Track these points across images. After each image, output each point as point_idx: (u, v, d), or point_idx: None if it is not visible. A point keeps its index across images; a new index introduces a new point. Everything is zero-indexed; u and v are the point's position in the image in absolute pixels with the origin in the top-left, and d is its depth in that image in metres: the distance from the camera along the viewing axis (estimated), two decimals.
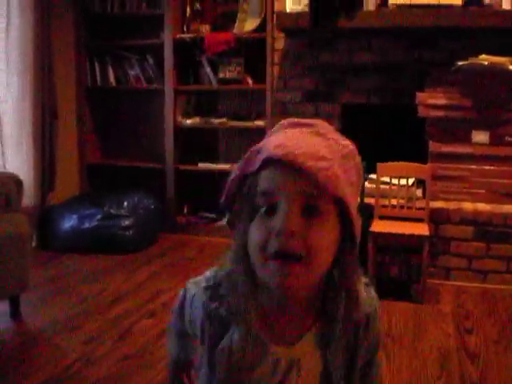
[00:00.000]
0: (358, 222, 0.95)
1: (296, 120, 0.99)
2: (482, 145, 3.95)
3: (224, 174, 4.68)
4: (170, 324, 1.23)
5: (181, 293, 1.15)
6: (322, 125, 0.98)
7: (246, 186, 0.95)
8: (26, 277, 3.22)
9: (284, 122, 1.01)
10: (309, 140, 0.93)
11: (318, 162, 0.88)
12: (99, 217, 4.52)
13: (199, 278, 1.09)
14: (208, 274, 1.08)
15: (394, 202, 3.80)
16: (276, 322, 1.00)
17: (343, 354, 1.02)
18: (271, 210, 0.90)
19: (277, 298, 0.98)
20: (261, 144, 0.95)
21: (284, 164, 0.88)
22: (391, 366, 2.72)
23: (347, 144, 0.98)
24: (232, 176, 1.00)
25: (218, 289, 1.02)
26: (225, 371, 1.00)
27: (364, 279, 1.04)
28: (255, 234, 0.91)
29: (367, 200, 3.90)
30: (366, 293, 1.04)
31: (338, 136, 0.98)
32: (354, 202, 0.94)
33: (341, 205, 0.91)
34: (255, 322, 0.98)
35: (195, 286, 1.09)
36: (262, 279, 0.94)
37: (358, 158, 0.98)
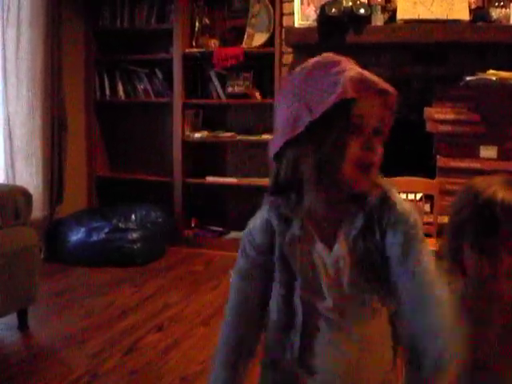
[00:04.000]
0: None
1: (336, 56, 1.17)
2: (490, 160, 3.94)
3: (232, 187, 4.68)
4: (238, 267, 1.34)
5: (244, 231, 1.32)
6: (348, 59, 1.19)
7: (340, 110, 1.09)
8: (34, 289, 3.23)
9: (318, 59, 1.18)
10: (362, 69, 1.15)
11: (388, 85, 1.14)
12: (107, 230, 4.53)
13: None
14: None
15: None
16: (322, 221, 1.20)
17: (364, 240, 1.18)
18: (360, 131, 1.12)
19: (329, 199, 1.19)
20: (350, 73, 1.11)
21: (372, 92, 1.12)
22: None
23: None
24: (323, 104, 1.10)
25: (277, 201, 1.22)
26: (294, 260, 1.20)
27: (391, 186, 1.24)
28: (355, 152, 1.12)
29: None
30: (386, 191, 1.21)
31: None
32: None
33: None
34: (306, 218, 1.19)
35: (254, 218, 1.28)
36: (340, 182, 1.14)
37: None
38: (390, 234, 1.16)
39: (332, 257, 1.18)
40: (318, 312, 1.20)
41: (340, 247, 1.18)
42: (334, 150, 1.12)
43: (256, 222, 1.27)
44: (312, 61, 1.18)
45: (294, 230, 1.19)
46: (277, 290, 1.24)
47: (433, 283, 1.13)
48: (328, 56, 1.17)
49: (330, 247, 1.19)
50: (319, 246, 1.19)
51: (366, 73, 1.13)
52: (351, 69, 1.13)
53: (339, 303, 1.18)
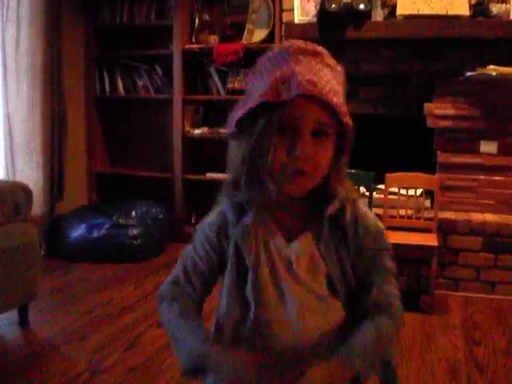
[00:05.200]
0: (351, 138, 1.15)
1: (302, 45, 1.13)
2: (490, 155, 3.94)
3: None
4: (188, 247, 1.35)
5: (199, 223, 1.33)
6: (324, 53, 1.15)
7: (268, 113, 1.09)
8: (35, 286, 3.23)
9: (290, 46, 1.13)
10: (326, 75, 1.10)
11: (336, 97, 1.09)
12: (107, 226, 4.54)
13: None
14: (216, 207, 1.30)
15: (402, 212, 3.79)
16: (281, 218, 1.22)
17: (336, 252, 1.19)
18: (290, 134, 1.10)
19: (283, 198, 1.18)
20: (284, 72, 1.08)
21: (311, 98, 1.06)
22: (400, 377, 2.70)
23: (341, 69, 1.17)
24: (250, 100, 1.13)
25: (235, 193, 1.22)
26: (248, 252, 1.21)
27: (356, 195, 1.23)
28: (278, 155, 1.10)
29: (375, 210, 3.89)
30: (352, 204, 1.21)
31: (333, 61, 1.15)
32: (350, 122, 1.14)
33: (341, 125, 1.12)
34: (268, 211, 1.21)
35: (207, 216, 1.31)
36: (272, 183, 1.14)
37: (343, 72, 1.18)
38: (359, 247, 1.21)
39: (290, 251, 1.20)
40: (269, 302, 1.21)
41: (301, 245, 1.20)
42: (256, 152, 1.13)
43: (212, 214, 1.30)
44: (271, 50, 1.16)
45: (247, 219, 1.21)
46: (227, 283, 1.23)
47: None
48: (285, 48, 1.13)
49: (290, 242, 1.21)
50: (278, 240, 1.21)
51: (302, 74, 1.07)
52: (290, 68, 1.09)
53: (292, 293, 1.19)
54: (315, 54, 1.12)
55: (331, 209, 1.17)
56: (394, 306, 1.22)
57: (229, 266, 1.23)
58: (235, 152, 1.20)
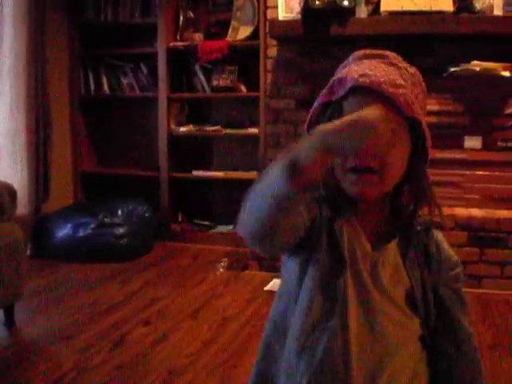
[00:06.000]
0: (429, 136, 1.09)
1: (368, 51, 1.13)
2: (474, 150, 3.97)
3: (218, 181, 4.67)
4: None
5: None
6: (392, 55, 1.13)
7: (329, 111, 1.09)
8: (21, 285, 3.21)
9: (357, 53, 1.13)
10: (386, 70, 1.07)
11: (397, 89, 1.03)
12: (93, 225, 4.52)
13: None
14: None
15: None
16: (366, 221, 1.14)
17: (420, 270, 1.13)
18: None
19: (361, 201, 1.12)
20: (342, 73, 1.07)
21: (368, 91, 1.02)
22: None
23: (415, 71, 1.15)
24: (316, 103, 1.12)
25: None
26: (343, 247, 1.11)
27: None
28: None
29: None
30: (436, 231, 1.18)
31: (406, 64, 1.14)
32: (424, 120, 1.08)
33: (414, 124, 1.06)
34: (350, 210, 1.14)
35: None
36: (343, 183, 1.10)
37: (423, 83, 1.16)
38: (441, 273, 1.16)
39: (377, 256, 1.12)
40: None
41: (388, 252, 1.13)
42: None
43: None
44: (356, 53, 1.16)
45: (344, 217, 1.13)
46: (313, 275, 1.12)
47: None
48: (372, 51, 1.14)
49: (375, 247, 1.13)
50: (364, 242, 1.13)
51: (357, 71, 1.06)
52: (349, 69, 1.09)
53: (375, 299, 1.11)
54: (380, 57, 1.11)
55: (418, 227, 1.13)
56: (474, 347, 1.19)
57: (318, 257, 1.11)
58: None
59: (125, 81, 5.25)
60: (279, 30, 4.38)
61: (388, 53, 1.13)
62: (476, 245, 3.82)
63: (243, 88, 4.87)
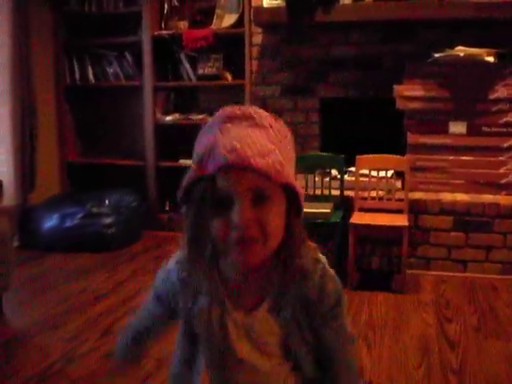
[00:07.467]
0: (301, 193, 1.07)
1: (233, 112, 1.06)
2: (459, 135, 3.99)
3: None
4: (153, 286, 1.37)
5: (162, 265, 1.31)
6: (257, 114, 1.06)
7: (201, 186, 1.05)
8: (8, 276, 3.21)
9: (222, 113, 1.07)
10: (253, 136, 1.02)
11: (266, 158, 0.99)
12: (81, 215, 4.51)
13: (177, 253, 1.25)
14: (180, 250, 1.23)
15: (373, 194, 3.83)
16: (236, 291, 1.15)
17: (296, 321, 1.14)
18: (228, 204, 1.02)
19: (239, 270, 1.13)
20: (210, 142, 1.03)
21: (239, 168, 0.98)
22: (372, 355, 2.75)
23: (280, 126, 1.08)
24: (187, 177, 1.08)
25: (186, 263, 1.19)
26: (201, 329, 1.19)
27: (319, 256, 1.16)
28: (218, 227, 1.04)
29: (347, 193, 3.93)
30: (318, 269, 1.14)
31: (271, 120, 1.07)
32: (294, 178, 1.07)
33: (286, 185, 1.04)
34: (220, 290, 1.14)
35: (172, 259, 1.27)
36: (225, 257, 1.10)
37: (290, 134, 1.10)
38: (320, 309, 1.15)
39: (248, 323, 1.14)
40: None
41: (259, 317, 1.14)
42: (197, 223, 1.11)
43: (166, 269, 1.29)
44: (212, 117, 1.10)
45: (203, 303, 1.16)
46: (181, 331, 1.28)
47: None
48: (217, 116, 1.08)
49: (247, 313, 1.14)
50: (233, 313, 1.15)
51: (224, 143, 1.01)
52: (215, 139, 1.03)
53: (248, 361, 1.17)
54: (246, 119, 1.05)
55: (292, 277, 1.11)
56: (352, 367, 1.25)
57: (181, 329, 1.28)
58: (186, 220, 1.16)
59: (110, 70, 5.22)
60: (264, 18, 4.39)
61: (252, 112, 1.06)
62: (461, 229, 3.85)
63: (229, 76, 4.86)
